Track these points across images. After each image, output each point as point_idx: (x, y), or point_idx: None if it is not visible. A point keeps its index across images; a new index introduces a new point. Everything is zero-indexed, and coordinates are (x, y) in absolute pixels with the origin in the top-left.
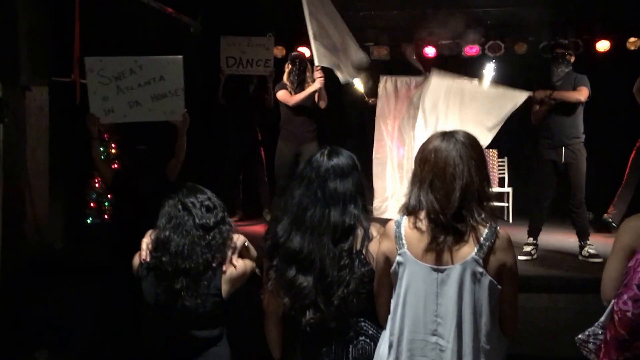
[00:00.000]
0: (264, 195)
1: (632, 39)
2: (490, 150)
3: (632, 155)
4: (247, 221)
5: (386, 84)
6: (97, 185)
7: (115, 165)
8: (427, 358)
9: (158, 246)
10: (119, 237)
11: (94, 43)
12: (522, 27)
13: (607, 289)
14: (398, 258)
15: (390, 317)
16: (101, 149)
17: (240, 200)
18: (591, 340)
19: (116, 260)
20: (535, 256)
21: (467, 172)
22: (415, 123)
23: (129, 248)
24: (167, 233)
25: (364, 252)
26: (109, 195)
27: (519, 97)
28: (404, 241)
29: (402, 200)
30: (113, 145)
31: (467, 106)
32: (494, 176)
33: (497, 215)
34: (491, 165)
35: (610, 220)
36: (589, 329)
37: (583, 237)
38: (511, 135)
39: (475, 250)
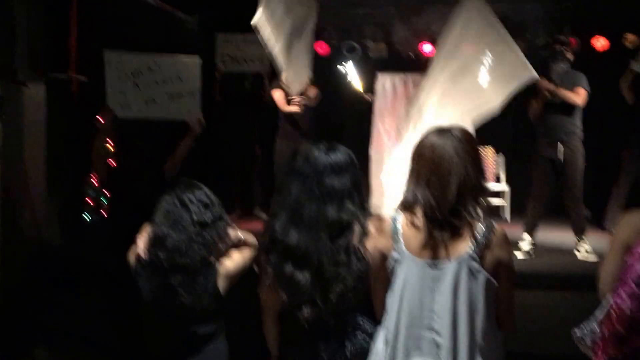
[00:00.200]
0: (258, 193)
1: (629, 36)
2: (487, 147)
3: (623, 157)
4: (245, 218)
5: (384, 82)
6: (94, 182)
7: (113, 163)
8: (423, 354)
9: (154, 242)
10: (116, 234)
11: (90, 40)
12: (518, 25)
13: (605, 285)
14: (394, 254)
15: (386, 313)
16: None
17: (237, 197)
18: (588, 336)
19: (113, 257)
20: (532, 254)
21: (463, 167)
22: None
23: (126, 245)
24: (164, 229)
25: (361, 248)
26: (106, 193)
27: (525, 72)
28: (400, 237)
29: (399, 197)
30: (111, 143)
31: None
32: (491, 174)
33: (494, 212)
34: (488, 163)
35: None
36: (585, 325)
37: (579, 234)
38: (508, 132)
39: (471, 246)
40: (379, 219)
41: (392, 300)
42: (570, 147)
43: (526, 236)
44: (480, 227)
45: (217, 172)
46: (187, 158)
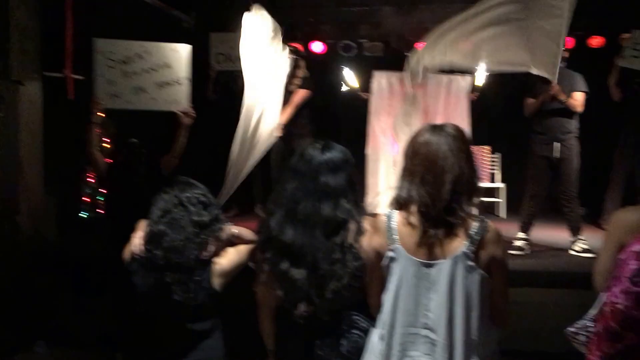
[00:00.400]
0: (257, 190)
1: (625, 35)
2: (483, 146)
3: (614, 154)
4: (242, 216)
5: (380, 80)
6: (91, 179)
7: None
8: (419, 352)
9: (151, 239)
10: (112, 230)
11: (86, 38)
12: None
13: (600, 282)
14: (390, 253)
15: (382, 311)
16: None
17: (235, 195)
18: (582, 333)
19: (110, 253)
20: (527, 251)
21: (458, 165)
22: (409, 120)
23: (122, 241)
24: (161, 227)
25: (356, 246)
26: (102, 190)
27: (549, 72)
28: (395, 236)
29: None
30: (107, 140)
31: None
32: (487, 172)
33: (490, 211)
34: (484, 161)
35: None
36: (579, 322)
37: (575, 232)
38: (504, 131)
39: (466, 244)
40: (375, 217)
41: (388, 298)
42: (567, 145)
43: (521, 234)
44: (474, 225)
45: (213, 171)
46: (183, 155)
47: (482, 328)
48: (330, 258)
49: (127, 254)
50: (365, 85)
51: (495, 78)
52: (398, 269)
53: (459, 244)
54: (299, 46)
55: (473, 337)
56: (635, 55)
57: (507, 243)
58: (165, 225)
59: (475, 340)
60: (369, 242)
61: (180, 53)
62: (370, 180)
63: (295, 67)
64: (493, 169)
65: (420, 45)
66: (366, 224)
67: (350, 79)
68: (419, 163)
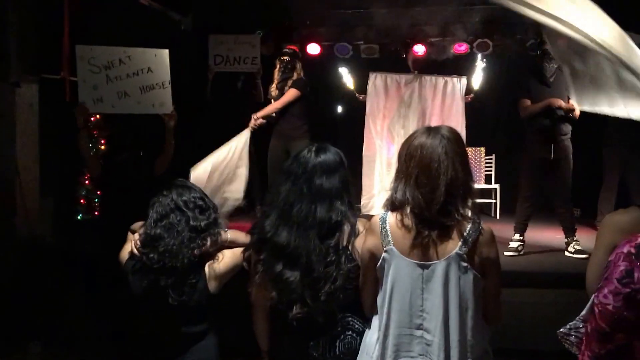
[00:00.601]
0: (256, 192)
1: None
2: (478, 147)
3: (603, 154)
4: (239, 217)
5: (375, 81)
6: (87, 181)
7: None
8: (413, 352)
9: (147, 243)
10: (107, 232)
11: (83, 40)
12: (509, 25)
13: (592, 284)
14: (384, 254)
15: (377, 312)
16: (89, 145)
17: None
18: (572, 334)
19: (105, 255)
20: (521, 252)
21: (452, 167)
22: (404, 122)
23: (117, 243)
24: (158, 231)
25: (350, 248)
26: (98, 192)
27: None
28: (390, 237)
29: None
30: (102, 142)
31: None
32: (482, 173)
33: (485, 212)
34: (479, 162)
35: None
36: (571, 323)
37: (569, 233)
38: (499, 132)
39: (460, 245)
40: (369, 218)
41: (383, 300)
42: (563, 147)
43: (516, 235)
44: (468, 227)
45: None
46: (181, 156)
47: (476, 327)
48: (324, 260)
49: (123, 255)
50: (362, 87)
51: (490, 80)
52: (392, 270)
53: (453, 246)
54: (295, 48)
55: (468, 337)
56: None
57: (502, 244)
58: (162, 229)
59: (470, 340)
60: (363, 243)
61: (161, 57)
62: (365, 181)
63: (291, 69)
64: (488, 170)
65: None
66: (361, 225)
67: (346, 80)
68: (413, 165)
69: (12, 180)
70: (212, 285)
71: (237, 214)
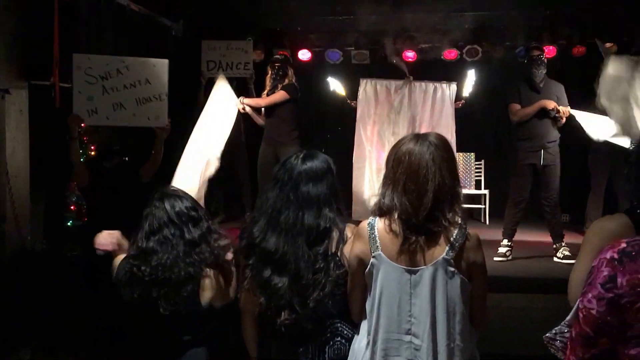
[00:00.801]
0: (246, 198)
1: (607, 44)
2: (468, 153)
3: (589, 162)
4: (229, 223)
5: (366, 88)
6: (77, 187)
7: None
8: (402, 357)
9: (140, 256)
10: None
11: (73, 46)
12: (499, 32)
13: (576, 289)
14: (372, 260)
15: (366, 317)
16: (80, 152)
17: (222, 201)
18: (558, 338)
19: (95, 261)
20: (510, 257)
21: (440, 174)
22: (395, 128)
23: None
24: (151, 245)
25: (339, 254)
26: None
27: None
28: (378, 243)
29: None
30: (92, 148)
31: None
32: (472, 179)
33: (474, 217)
34: (469, 168)
35: None
36: (556, 328)
37: (557, 239)
38: (488, 138)
39: (447, 250)
40: (358, 224)
41: (372, 305)
42: (551, 152)
43: (505, 241)
44: (455, 232)
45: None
46: (174, 161)
47: (464, 331)
48: (313, 267)
49: (116, 263)
50: (353, 93)
51: (480, 86)
52: (381, 276)
53: (440, 251)
54: (286, 54)
55: (456, 342)
56: None
57: (491, 249)
58: (156, 243)
59: (458, 345)
60: (351, 249)
61: (159, 67)
62: (356, 187)
63: (283, 75)
64: (478, 176)
65: None
66: (349, 231)
67: (337, 86)
68: (401, 172)
69: (2, 187)
70: (205, 297)
71: (228, 220)
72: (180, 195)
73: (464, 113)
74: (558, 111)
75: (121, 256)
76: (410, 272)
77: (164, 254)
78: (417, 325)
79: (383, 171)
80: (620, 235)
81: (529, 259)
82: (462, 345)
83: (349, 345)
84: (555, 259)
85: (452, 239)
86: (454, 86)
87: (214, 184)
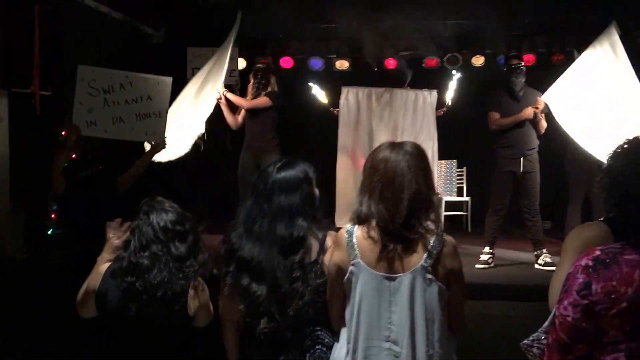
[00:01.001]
0: (228, 204)
1: None
2: (450, 160)
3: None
4: (214, 231)
5: (348, 95)
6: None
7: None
8: None
9: (130, 269)
10: (70, 245)
11: (54, 54)
12: (479, 41)
13: (556, 296)
14: (351, 268)
15: (346, 325)
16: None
17: (207, 209)
18: (535, 345)
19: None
20: (492, 264)
21: (415, 182)
22: (376, 136)
23: (81, 255)
24: (144, 261)
25: (319, 262)
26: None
27: None
28: (357, 251)
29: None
30: (73, 157)
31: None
32: (454, 186)
33: (456, 224)
34: (450, 175)
35: None
36: (533, 335)
37: (539, 246)
38: (470, 145)
39: (424, 257)
40: (336, 232)
41: (351, 313)
42: (531, 160)
43: (486, 248)
44: (432, 239)
45: (186, 184)
46: (159, 169)
47: (442, 337)
48: (290, 277)
49: (101, 270)
50: (335, 101)
51: (462, 94)
52: (360, 283)
53: (418, 258)
54: (269, 61)
55: (435, 348)
56: None
57: (473, 256)
58: (148, 260)
59: (437, 351)
60: (330, 257)
61: (163, 85)
62: (339, 194)
63: (265, 83)
64: (460, 183)
65: None
66: (330, 239)
67: (318, 96)
68: (377, 179)
69: None
70: (192, 306)
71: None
72: (166, 207)
73: (446, 120)
74: (537, 114)
75: (105, 264)
76: (389, 279)
77: (159, 272)
78: (397, 332)
79: None
80: (599, 242)
81: (510, 266)
82: (441, 352)
83: (330, 353)
84: (536, 265)
85: (429, 246)
86: (435, 94)
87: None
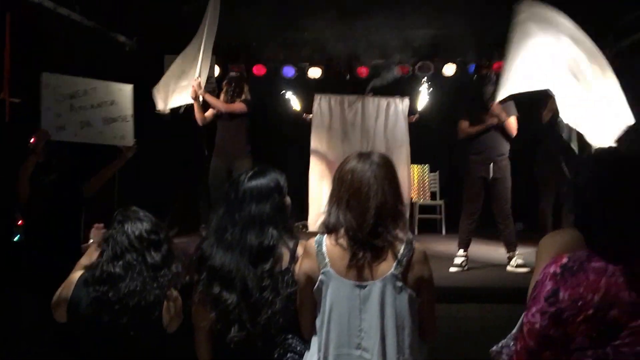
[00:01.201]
0: (202, 210)
1: None
2: (423, 164)
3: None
4: (184, 236)
5: (320, 102)
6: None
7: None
8: None
9: (103, 278)
10: (37, 252)
11: (25, 62)
12: (450, 49)
13: None
14: (321, 276)
15: (317, 333)
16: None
17: (177, 214)
18: (504, 352)
19: (35, 277)
20: (465, 267)
21: (381, 192)
22: (349, 142)
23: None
24: (117, 270)
25: (290, 271)
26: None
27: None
28: (326, 260)
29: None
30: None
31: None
32: (427, 190)
33: (430, 228)
34: (423, 179)
35: None
36: (502, 341)
37: (511, 248)
38: (443, 149)
39: (394, 265)
40: (306, 241)
41: (322, 321)
42: (501, 166)
43: (460, 251)
44: (401, 247)
45: (157, 190)
46: (133, 175)
47: (413, 344)
48: (260, 285)
49: (74, 278)
50: (307, 108)
51: (434, 101)
52: (330, 292)
53: (388, 266)
54: (241, 69)
55: (405, 355)
56: None
57: (448, 260)
58: (121, 269)
59: (407, 358)
60: (299, 266)
61: (125, 91)
62: (312, 200)
63: (239, 92)
64: (433, 187)
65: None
66: (301, 248)
67: (292, 101)
68: (345, 189)
69: None
70: (167, 317)
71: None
72: (141, 217)
73: (419, 126)
74: (500, 119)
75: (79, 272)
76: (360, 287)
77: (132, 281)
78: (367, 339)
79: None
80: (572, 248)
81: (483, 269)
82: (411, 358)
83: None
84: (508, 268)
85: (399, 254)
86: (406, 101)
87: (169, 197)
